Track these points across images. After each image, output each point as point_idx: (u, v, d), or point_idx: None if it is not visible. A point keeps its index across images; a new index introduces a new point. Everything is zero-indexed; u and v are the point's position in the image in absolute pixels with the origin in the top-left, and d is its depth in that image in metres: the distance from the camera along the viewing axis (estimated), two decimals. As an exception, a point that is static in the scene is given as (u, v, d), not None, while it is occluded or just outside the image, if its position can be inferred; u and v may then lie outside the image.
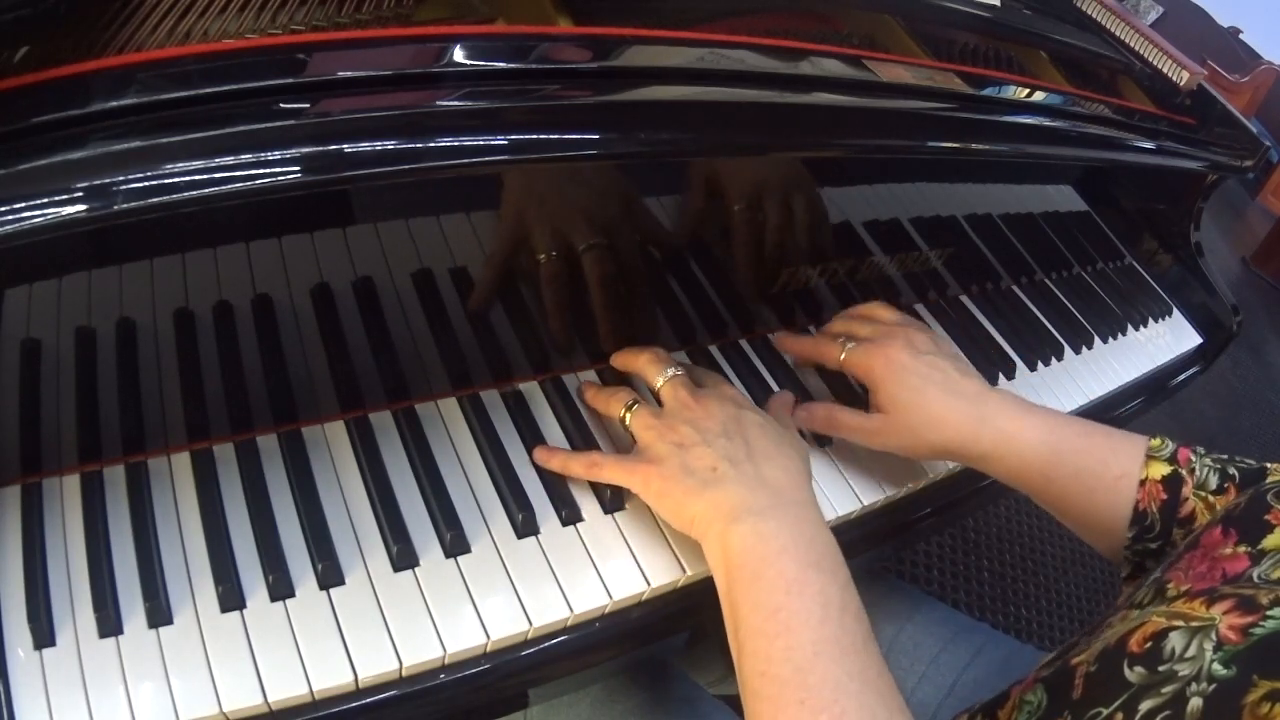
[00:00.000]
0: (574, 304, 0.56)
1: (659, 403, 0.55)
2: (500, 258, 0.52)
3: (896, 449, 0.58)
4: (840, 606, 0.43)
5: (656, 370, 0.56)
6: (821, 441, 0.63)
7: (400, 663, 0.44)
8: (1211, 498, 0.52)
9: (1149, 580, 0.46)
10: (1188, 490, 0.53)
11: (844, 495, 0.60)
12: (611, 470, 0.52)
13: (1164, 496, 0.53)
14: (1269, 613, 0.35)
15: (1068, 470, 0.55)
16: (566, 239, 0.53)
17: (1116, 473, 0.54)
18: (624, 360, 0.59)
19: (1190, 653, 0.36)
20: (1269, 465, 0.52)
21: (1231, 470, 0.53)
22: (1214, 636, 0.36)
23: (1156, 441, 0.55)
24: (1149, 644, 0.38)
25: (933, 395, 0.56)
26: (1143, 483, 0.54)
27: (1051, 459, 0.55)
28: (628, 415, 0.54)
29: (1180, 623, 0.37)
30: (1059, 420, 0.56)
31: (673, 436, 0.51)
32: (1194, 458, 0.54)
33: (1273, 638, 0.34)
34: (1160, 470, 0.54)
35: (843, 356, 0.60)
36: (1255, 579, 0.40)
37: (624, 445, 0.57)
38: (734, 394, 0.55)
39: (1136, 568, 0.55)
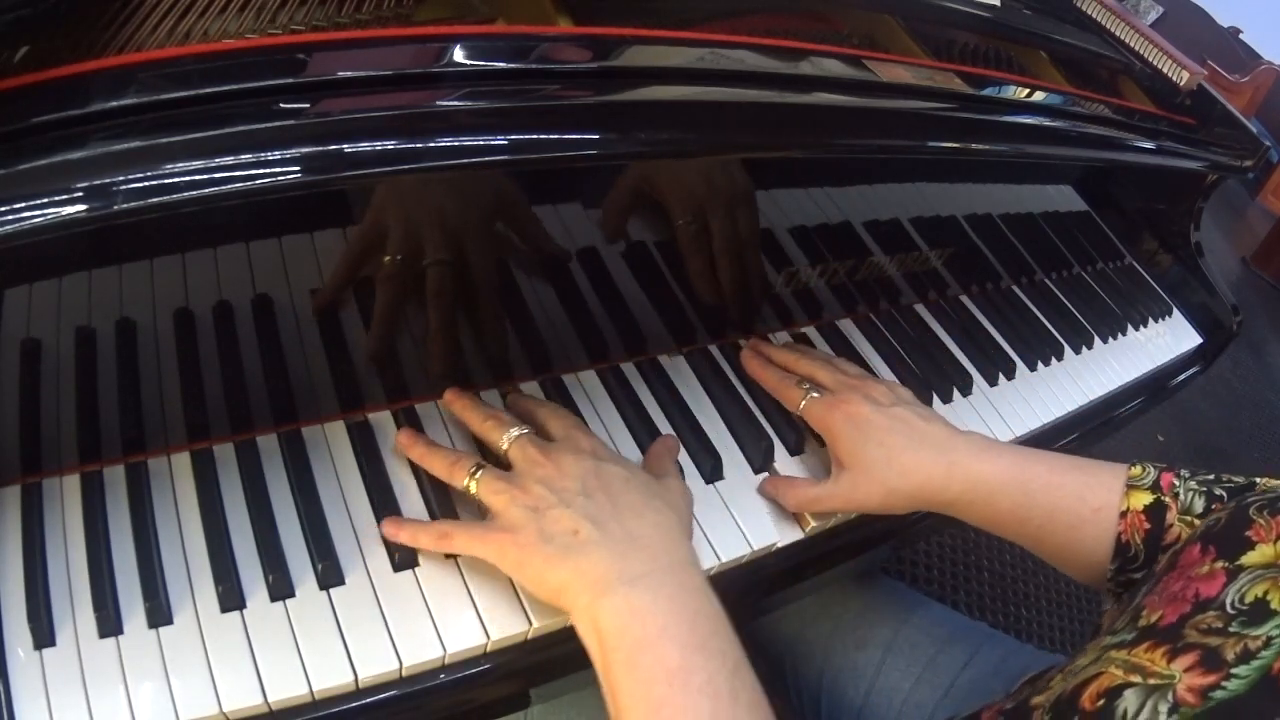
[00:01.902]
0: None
1: (507, 465, 0.50)
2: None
3: (872, 508, 0.56)
4: (731, 696, 0.40)
5: (499, 432, 0.50)
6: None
7: (400, 663, 0.44)
8: (1198, 521, 0.50)
9: (1129, 606, 0.45)
10: (1172, 516, 0.51)
11: (844, 495, 0.60)
12: (463, 540, 0.47)
13: (1147, 526, 0.51)
14: (1233, 671, 0.34)
15: (1042, 509, 0.53)
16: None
17: (1094, 506, 0.53)
18: (461, 415, 0.53)
19: (1143, 716, 0.34)
20: (1258, 480, 0.50)
21: (1218, 490, 0.51)
22: (1170, 698, 0.34)
23: (1137, 470, 0.53)
24: (1101, 701, 0.36)
25: (899, 446, 0.55)
26: (1124, 514, 0.52)
27: (1024, 499, 0.53)
28: (472, 484, 0.48)
29: (1138, 678, 0.36)
30: (1029, 458, 0.55)
31: (525, 499, 0.46)
32: (1177, 482, 0.52)
33: (1233, 703, 0.33)
34: (1142, 500, 0.52)
35: (802, 405, 0.59)
36: (1228, 606, 0.38)
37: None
38: (591, 445, 0.50)
39: (1119, 599, 0.53)
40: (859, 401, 0.57)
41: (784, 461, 0.61)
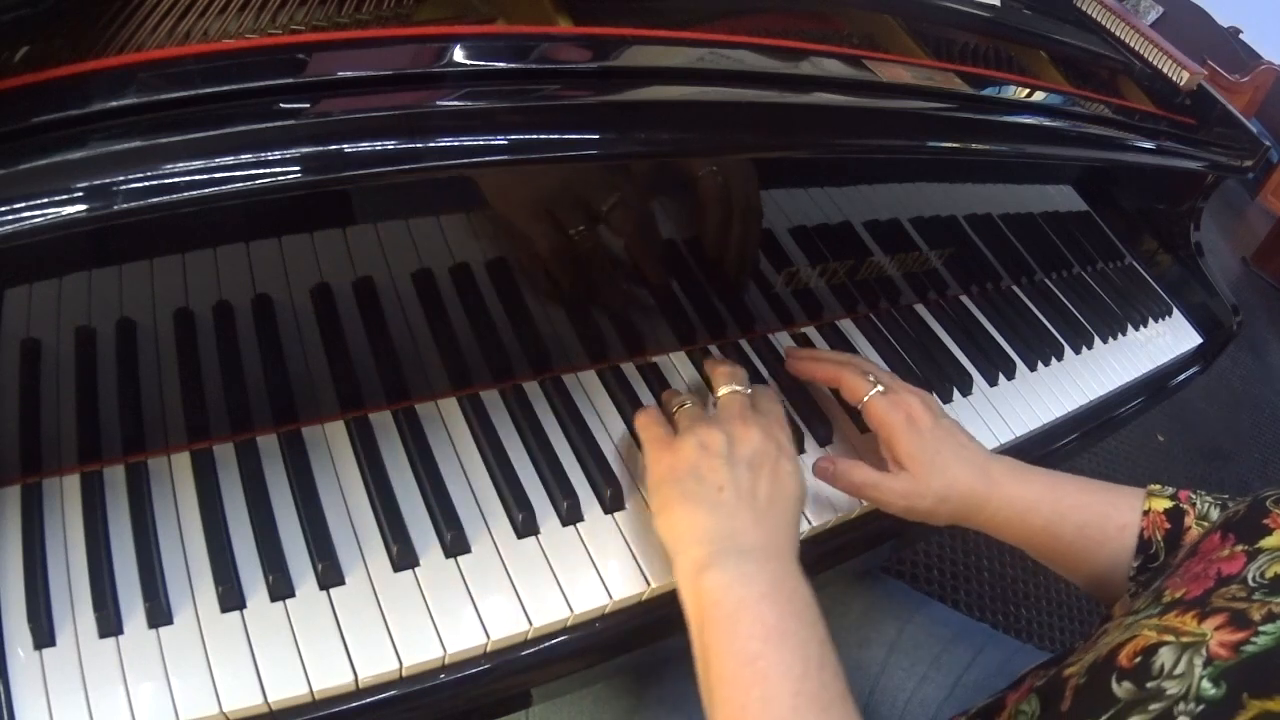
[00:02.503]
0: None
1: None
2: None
3: (918, 513, 0.56)
4: (819, 662, 0.42)
5: (725, 382, 0.56)
6: (822, 440, 0.63)
7: (400, 663, 0.44)
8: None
9: (1148, 590, 0.46)
10: (1190, 520, 0.54)
11: (845, 495, 0.60)
12: (645, 430, 0.54)
13: (1167, 525, 0.54)
14: (1261, 628, 0.35)
15: (1071, 527, 0.55)
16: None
17: (1119, 523, 0.55)
18: (709, 363, 0.61)
19: (1179, 669, 0.35)
20: None
21: (1233, 505, 0.53)
22: (1204, 653, 0.35)
23: (1156, 487, 0.56)
24: (1138, 659, 0.37)
25: (950, 455, 0.56)
26: (1146, 513, 0.55)
27: (1054, 518, 0.55)
28: (678, 408, 0.55)
29: (1171, 638, 0.37)
30: (1057, 480, 0.57)
31: (705, 437, 0.50)
32: (1194, 495, 0.55)
33: (1265, 655, 0.34)
34: (1162, 504, 0.55)
35: (867, 399, 0.58)
36: (1250, 580, 0.40)
37: (630, 461, 0.57)
38: (783, 438, 0.53)
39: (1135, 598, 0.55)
40: (920, 406, 0.57)
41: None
